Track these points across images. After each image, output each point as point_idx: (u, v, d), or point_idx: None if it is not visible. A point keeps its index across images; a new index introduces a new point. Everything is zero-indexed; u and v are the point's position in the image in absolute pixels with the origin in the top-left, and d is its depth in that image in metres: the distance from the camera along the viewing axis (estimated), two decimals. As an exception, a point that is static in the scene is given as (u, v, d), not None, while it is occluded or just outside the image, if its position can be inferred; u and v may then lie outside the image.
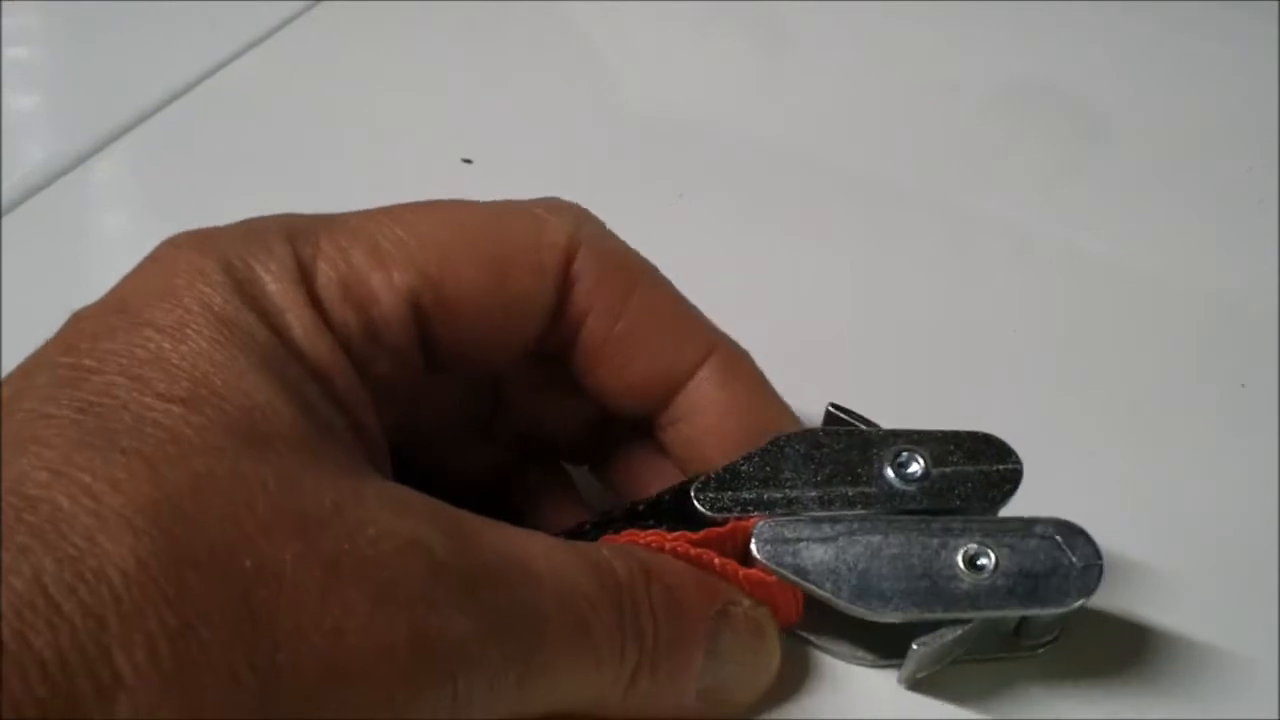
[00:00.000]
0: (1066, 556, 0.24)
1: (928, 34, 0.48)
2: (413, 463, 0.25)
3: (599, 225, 0.26)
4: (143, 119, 0.41)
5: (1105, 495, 0.29)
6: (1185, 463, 0.31)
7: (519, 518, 0.24)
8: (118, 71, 0.43)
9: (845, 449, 0.26)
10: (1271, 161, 0.41)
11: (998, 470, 0.26)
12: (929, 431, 0.26)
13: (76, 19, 0.46)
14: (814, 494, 0.25)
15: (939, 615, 0.24)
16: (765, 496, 0.25)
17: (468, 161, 0.39)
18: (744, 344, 0.27)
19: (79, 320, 0.21)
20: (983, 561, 0.24)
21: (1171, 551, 0.29)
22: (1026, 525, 0.25)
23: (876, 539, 0.24)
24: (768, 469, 0.25)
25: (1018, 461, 0.26)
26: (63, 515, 0.16)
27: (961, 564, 0.24)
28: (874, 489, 0.25)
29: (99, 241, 0.38)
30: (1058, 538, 0.24)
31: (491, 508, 0.22)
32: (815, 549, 0.24)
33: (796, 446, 0.25)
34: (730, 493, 0.25)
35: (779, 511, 0.25)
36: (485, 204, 0.25)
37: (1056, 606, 0.24)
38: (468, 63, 0.45)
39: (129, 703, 0.15)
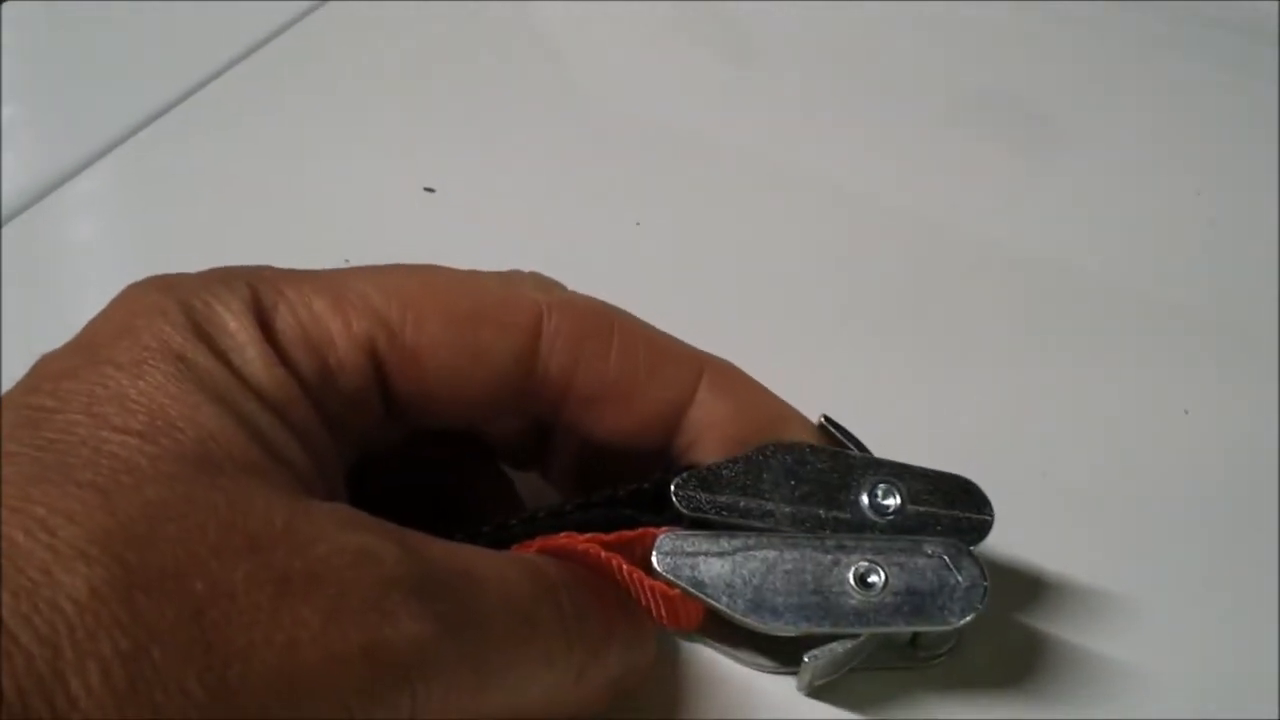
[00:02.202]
0: (953, 576, 0.25)
1: (896, 47, 0.48)
2: (355, 468, 0.26)
3: (563, 288, 0.27)
4: (114, 146, 0.42)
5: (1028, 512, 0.30)
6: (1121, 487, 0.32)
7: (461, 523, 0.25)
8: (95, 92, 0.44)
9: (828, 470, 0.26)
10: (1220, 185, 0.42)
11: (969, 518, 0.26)
12: (912, 467, 0.27)
13: (47, 42, 0.48)
14: (788, 510, 0.26)
15: (829, 630, 0.25)
16: (741, 504, 0.26)
17: (430, 190, 0.41)
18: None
19: (44, 362, 0.22)
20: (873, 579, 0.25)
21: (1076, 568, 0.30)
22: (916, 545, 0.26)
23: (772, 555, 0.25)
24: (749, 477, 0.26)
25: (990, 513, 0.26)
26: (19, 550, 0.17)
27: (852, 581, 0.25)
28: (847, 515, 0.26)
29: (85, 259, 0.39)
30: (945, 558, 0.25)
31: (432, 514, 0.23)
32: (713, 563, 0.25)
33: (782, 459, 0.26)
34: (708, 494, 0.26)
35: (753, 520, 0.26)
36: (458, 268, 0.26)
37: (941, 624, 0.25)
38: (430, 91, 0.46)
39: None
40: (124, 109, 0.43)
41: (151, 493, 0.19)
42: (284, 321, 0.23)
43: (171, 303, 0.22)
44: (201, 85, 0.44)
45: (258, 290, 0.23)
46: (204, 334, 0.22)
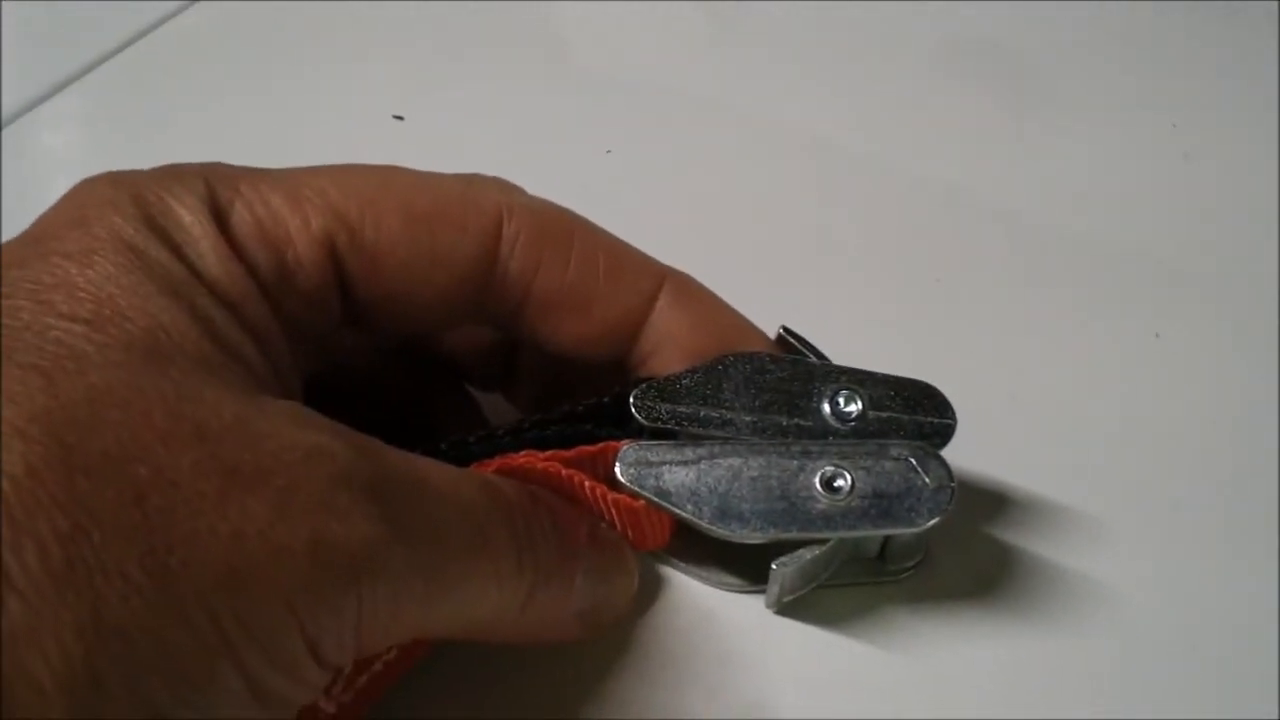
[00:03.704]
0: (920, 478, 0.25)
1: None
2: (319, 386, 0.25)
3: (525, 193, 0.26)
4: (75, 79, 0.41)
5: (998, 430, 0.30)
6: (1091, 406, 0.32)
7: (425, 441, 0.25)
8: (52, 32, 0.44)
9: (788, 378, 0.26)
10: (1194, 118, 0.42)
11: (931, 423, 0.26)
12: (874, 373, 0.26)
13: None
14: (749, 418, 0.25)
15: (796, 535, 0.25)
16: (702, 413, 0.25)
17: (399, 118, 0.40)
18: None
19: None
20: (839, 483, 0.25)
21: (1045, 483, 0.29)
22: (882, 448, 0.25)
23: (737, 462, 0.25)
24: (709, 387, 0.26)
25: (953, 417, 0.26)
26: None
27: (819, 485, 0.25)
28: (809, 422, 0.26)
29: (32, 201, 0.38)
30: (912, 460, 0.25)
31: (397, 435, 0.23)
32: (677, 472, 0.25)
33: (741, 368, 0.26)
34: (668, 404, 0.25)
35: (714, 429, 0.25)
36: (419, 170, 0.25)
37: (909, 526, 0.25)
38: (400, 18, 0.45)
39: (19, 602, 0.15)
40: (88, 42, 0.43)
41: (96, 378, 0.18)
42: (240, 217, 0.23)
43: (124, 195, 0.22)
44: (171, 15, 0.44)
45: (213, 186, 0.23)
46: (157, 227, 0.21)
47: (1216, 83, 0.44)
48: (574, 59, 0.44)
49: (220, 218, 0.22)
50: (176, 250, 0.21)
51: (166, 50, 0.43)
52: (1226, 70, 0.44)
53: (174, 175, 0.23)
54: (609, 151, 0.40)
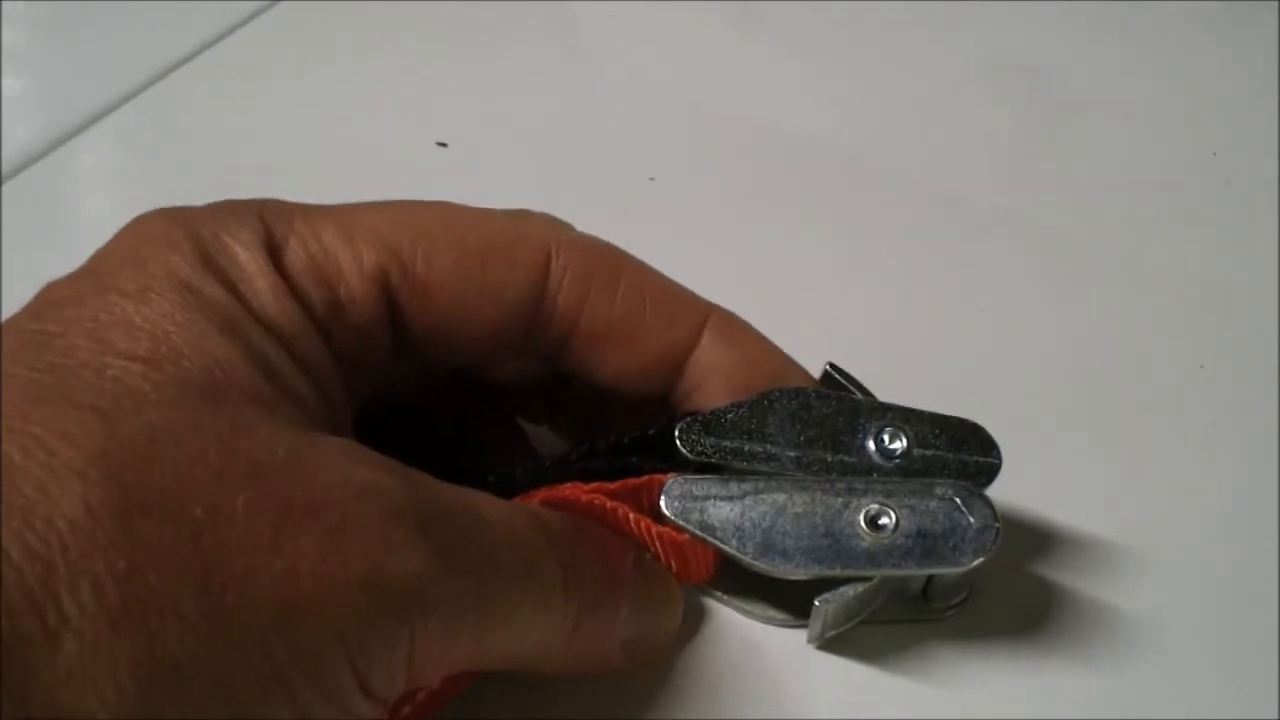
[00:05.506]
0: (965, 518, 0.25)
1: (904, 10, 0.48)
2: (367, 415, 0.26)
3: (573, 228, 0.27)
4: (122, 102, 0.42)
5: (1043, 465, 0.29)
6: (1135, 440, 0.32)
7: (471, 472, 0.25)
8: (99, 54, 0.45)
9: (833, 414, 0.26)
10: (1236, 145, 0.41)
11: (976, 461, 0.26)
12: (919, 411, 0.26)
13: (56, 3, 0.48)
14: (793, 454, 0.26)
15: (839, 572, 0.25)
16: (746, 448, 0.25)
17: (443, 145, 0.40)
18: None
19: (49, 289, 0.22)
20: (883, 521, 0.25)
21: (1090, 519, 0.29)
22: (927, 486, 0.25)
23: (782, 498, 0.25)
24: (754, 421, 0.26)
25: (998, 456, 0.26)
26: (15, 468, 0.17)
27: (863, 523, 0.25)
28: (854, 459, 0.26)
29: (80, 223, 0.39)
30: (957, 499, 0.25)
31: (444, 463, 0.23)
32: (722, 507, 0.25)
33: (787, 404, 0.26)
34: (713, 438, 0.26)
35: (758, 465, 0.25)
36: (469, 206, 0.26)
37: (953, 566, 0.25)
38: (442, 46, 0.46)
39: (76, 641, 0.16)
40: (134, 65, 0.43)
41: (153, 416, 0.18)
42: (294, 254, 0.23)
43: (180, 233, 0.22)
44: (214, 41, 0.45)
45: (268, 223, 0.23)
46: (213, 264, 0.22)
47: (1257, 106, 0.43)
48: (615, 84, 0.45)
49: (275, 254, 0.23)
50: (232, 288, 0.22)
51: (209, 80, 0.43)
52: (1268, 93, 0.44)
53: (229, 211, 0.23)
54: (652, 179, 0.40)
